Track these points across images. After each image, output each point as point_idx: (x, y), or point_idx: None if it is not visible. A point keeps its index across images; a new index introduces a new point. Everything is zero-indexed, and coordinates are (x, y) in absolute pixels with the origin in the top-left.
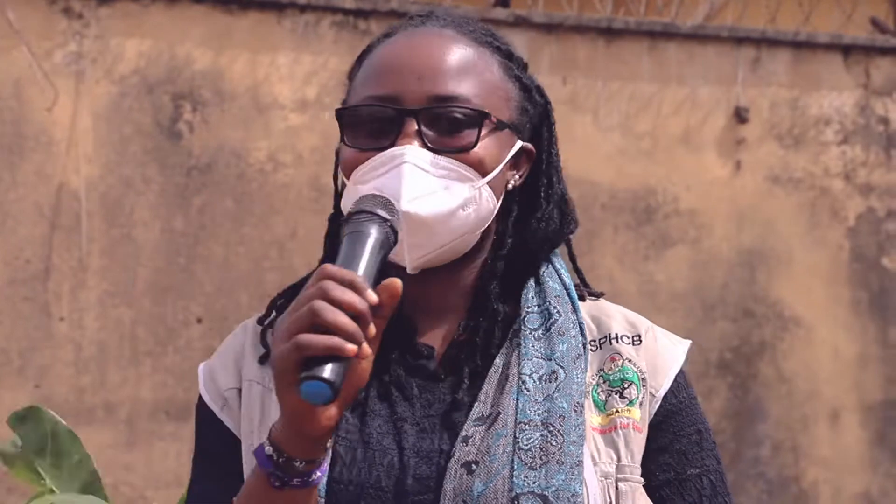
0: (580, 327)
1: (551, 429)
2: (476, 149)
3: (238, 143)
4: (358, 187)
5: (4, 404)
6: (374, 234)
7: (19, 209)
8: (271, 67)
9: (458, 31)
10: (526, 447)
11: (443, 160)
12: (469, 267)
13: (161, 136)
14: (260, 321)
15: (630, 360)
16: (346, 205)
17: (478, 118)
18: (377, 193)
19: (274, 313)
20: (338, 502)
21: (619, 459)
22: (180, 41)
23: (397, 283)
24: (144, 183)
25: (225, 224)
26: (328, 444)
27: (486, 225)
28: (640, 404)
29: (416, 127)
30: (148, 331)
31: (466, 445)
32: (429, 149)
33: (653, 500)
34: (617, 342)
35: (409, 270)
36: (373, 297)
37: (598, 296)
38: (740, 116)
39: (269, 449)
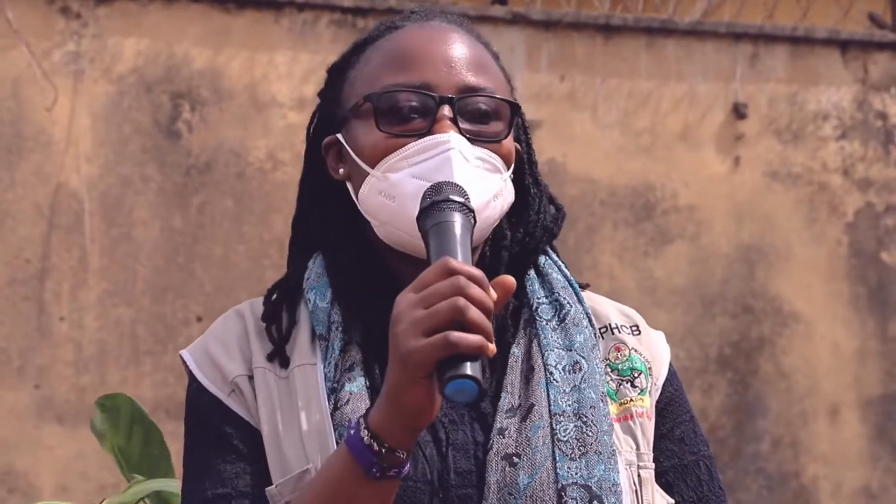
0: (588, 318)
1: (585, 419)
2: (506, 140)
3: (237, 141)
4: (388, 176)
5: (4, 404)
6: (461, 222)
7: (19, 209)
8: (269, 66)
9: (462, 28)
10: (564, 438)
11: (478, 150)
12: (473, 256)
13: (160, 135)
14: (264, 318)
15: (636, 350)
16: (367, 196)
17: (507, 109)
18: (449, 181)
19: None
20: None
21: (637, 447)
22: (178, 40)
23: (511, 279)
24: (143, 182)
25: (224, 223)
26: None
27: (501, 216)
28: (649, 393)
29: (452, 115)
30: (148, 330)
31: (504, 438)
32: (465, 137)
33: (660, 486)
34: (619, 332)
35: None
36: (494, 294)
37: (584, 287)
38: (739, 112)
39: (367, 439)
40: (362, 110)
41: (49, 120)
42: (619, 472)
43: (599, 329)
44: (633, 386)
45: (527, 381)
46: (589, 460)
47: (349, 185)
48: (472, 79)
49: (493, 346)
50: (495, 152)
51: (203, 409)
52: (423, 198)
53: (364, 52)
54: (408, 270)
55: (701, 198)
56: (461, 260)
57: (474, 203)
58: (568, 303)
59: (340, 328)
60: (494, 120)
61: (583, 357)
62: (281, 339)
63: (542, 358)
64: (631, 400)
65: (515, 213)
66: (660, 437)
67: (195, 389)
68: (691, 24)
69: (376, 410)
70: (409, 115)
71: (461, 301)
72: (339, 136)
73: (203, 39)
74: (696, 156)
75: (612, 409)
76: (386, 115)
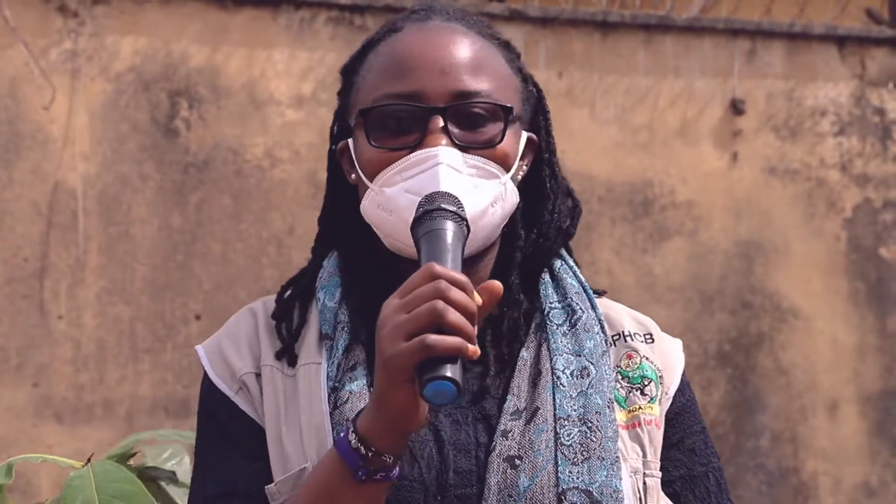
0: (601, 324)
1: (589, 425)
2: (501, 144)
3: (235, 139)
4: (384, 190)
5: (3, 402)
6: (452, 230)
7: (16, 207)
8: (267, 64)
9: (464, 25)
10: (567, 443)
11: (471, 158)
12: (485, 259)
13: (158, 133)
14: (274, 316)
15: (647, 358)
16: (368, 208)
17: (501, 112)
18: (441, 191)
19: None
20: (387, 497)
21: (644, 455)
22: (176, 38)
23: (497, 285)
24: (141, 180)
25: (222, 221)
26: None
27: (507, 218)
28: (660, 401)
29: (443, 124)
30: (146, 328)
31: (507, 440)
32: (457, 146)
33: (665, 494)
34: (631, 339)
35: None
36: (478, 298)
37: (600, 293)
38: (736, 108)
39: (355, 442)
40: (359, 124)
41: (47, 118)
42: (621, 479)
43: (612, 336)
44: (642, 394)
45: (534, 384)
46: (591, 465)
47: (360, 191)
48: (466, 83)
49: (473, 348)
50: (490, 158)
51: (212, 405)
52: (417, 207)
53: (368, 56)
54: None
55: (699, 194)
56: (450, 266)
57: (469, 212)
58: (580, 308)
59: (346, 328)
60: (491, 123)
61: (591, 363)
62: (290, 337)
63: (551, 362)
64: (640, 407)
65: (530, 211)
66: (669, 446)
67: (207, 385)
68: (689, 20)
69: (364, 414)
70: (399, 128)
71: (440, 304)
72: (349, 142)
73: (201, 37)
74: (694, 152)
75: (621, 416)
76: (377, 131)
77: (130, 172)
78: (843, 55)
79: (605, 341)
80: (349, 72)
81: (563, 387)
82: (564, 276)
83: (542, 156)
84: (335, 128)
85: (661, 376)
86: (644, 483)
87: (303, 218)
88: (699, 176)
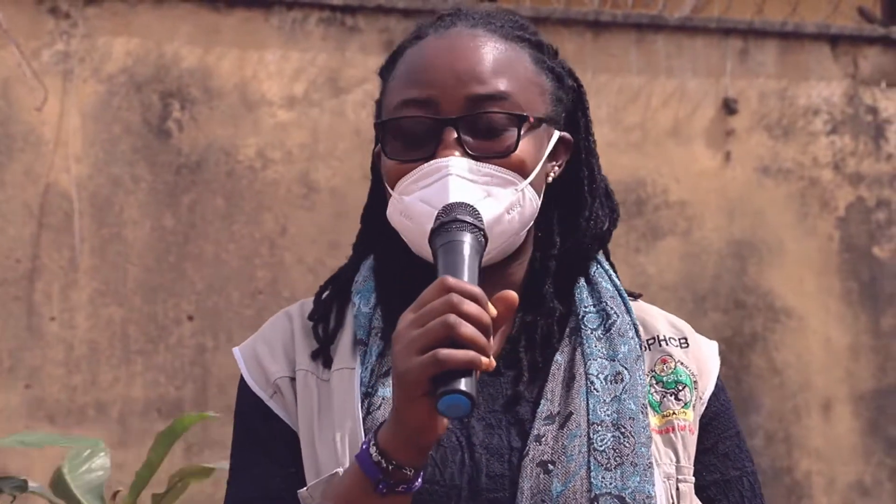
0: (636, 329)
1: (623, 430)
2: (516, 151)
3: (227, 140)
4: (403, 198)
5: None
6: (469, 241)
7: (8, 209)
8: (259, 64)
9: (487, 29)
10: (601, 448)
11: (485, 167)
12: (515, 263)
13: (150, 134)
14: (311, 316)
15: (682, 363)
16: (392, 214)
17: (516, 120)
18: (458, 202)
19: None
20: (413, 500)
21: (678, 460)
22: (168, 39)
23: (513, 295)
24: (134, 182)
25: (215, 222)
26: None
27: (531, 223)
28: (693, 406)
29: (456, 135)
30: (139, 329)
31: (540, 444)
32: (469, 156)
33: (699, 500)
34: (666, 344)
35: None
36: (493, 310)
37: (636, 296)
38: (729, 108)
39: (376, 455)
40: (378, 135)
41: (39, 120)
42: (654, 485)
43: (647, 340)
44: (676, 399)
45: (567, 389)
46: (624, 471)
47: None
48: (480, 88)
49: (487, 361)
50: (505, 166)
51: (247, 409)
52: (436, 218)
53: (397, 62)
54: None
55: (692, 193)
56: (466, 278)
57: (484, 221)
58: (615, 313)
59: (380, 334)
60: (506, 131)
61: (625, 368)
62: (326, 339)
63: (585, 367)
64: (674, 413)
65: (567, 217)
66: (704, 451)
67: (242, 388)
68: (681, 19)
69: (385, 427)
70: (415, 140)
71: (451, 318)
72: (381, 147)
73: (193, 38)
74: (687, 151)
75: (655, 420)
76: (392, 143)
77: (123, 174)
78: (835, 54)
79: (640, 346)
80: (382, 76)
81: (597, 392)
82: (600, 280)
83: (579, 156)
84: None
85: (695, 381)
86: (677, 488)
87: (295, 218)
88: (692, 175)
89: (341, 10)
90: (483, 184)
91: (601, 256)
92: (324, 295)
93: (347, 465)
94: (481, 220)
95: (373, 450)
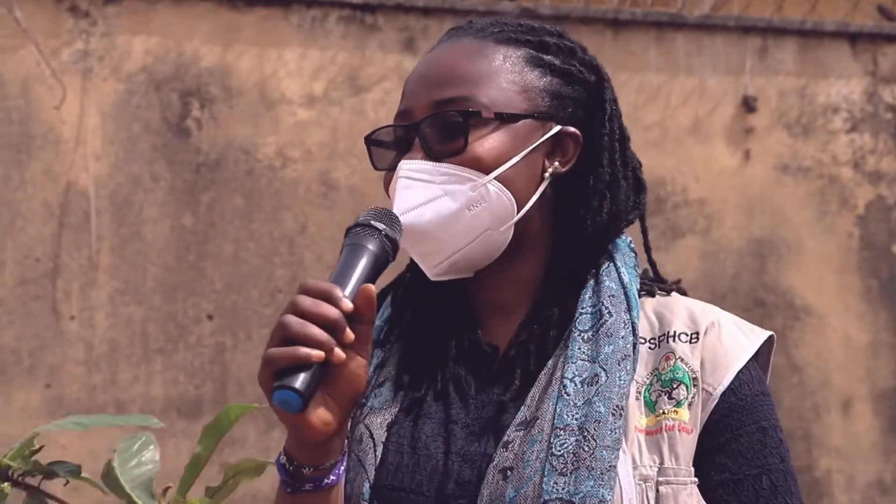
0: (633, 327)
1: (585, 434)
2: (469, 148)
3: (246, 139)
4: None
5: (16, 404)
6: (368, 246)
7: (28, 208)
8: (279, 63)
9: (476, 37)
10: (559, 453)
11: (443, 166)
12: (524, 261)
13: (169, 133)
14: None
15: (682, 359)
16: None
17: (465, 117)
18: (381, 207)
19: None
20: None
21: (661, 462)
22: (187, 38)
23: (370, 288)
24: (153, 180)
25: (234, 220)
26: (343, 449)
27: (514, 219)
28: (690, 405)
29: (419, 139)
30: (158, 328)
31: (506, 451)
32: (430, 157)
33: (709, 502)
34: (674, 340)
35: (431, 278)
36: (347, 304)
37: (669, 290)
38: (748, 106)
39: (282, 458)
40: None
41: (58, 119)
42: (610, 489)
43: (658, 337)
44: (669, 398)
45: (543, 394)
46: (579, 476)
47: None
48: (442, 92)
49: (318, 353)
50: (461, 163)
51: None
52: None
53: None
54: (465, 284)
55: (711, 192)
56: (356, 279)
57: (421, 223)
58: (609, 312)
59: (383, 345)
60: (462, 129)
61: (604, 369)
62: None
63: (562, 371)
64: (664, 412)
65: (570, 214)
66: (716, 449)
67: None
68: (700, 17)
69: (287, 433)
70: (396, 148)
71: (286, 317)
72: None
73: (212, 37)
74: (707, 150)
75: (646, 420)
76: (374, 155)
77: (142, 172)
78: (855, 52)
79: (634, 345)
80: None
81: (568, 396)
82: (605, 278)
83: (590, 151)
84: None
85: (694, 378)
86: (657, 491)
87: (314, 217)
88: (711, 174)
89: (361, 8)
90: (441, 183)
91: (617, 252)
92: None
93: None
94: (395, 230)
95: (281, 453)
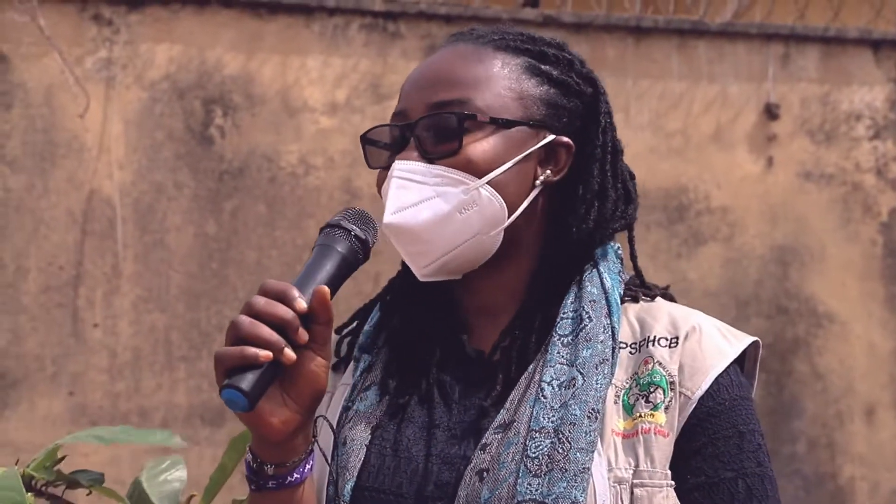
0: (612, 332)
1: (560, 436)
2: (463, 151)
3: (269, 146)
4: (385, 204)
5: (39, 411)
6: (337, 247)
7: (52, 216)
8: (301, 71)
9: (477, 44)
10: (534, 455)
11: (436, 168)
12: (513, 267)
13: (192, 140)
14: (337, 330)
15: (660, 364)
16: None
17: (460, 120)
18: (356, 208)
19: (356, 323)
20: None
21: (637, 465)
22: (210, 46)
23: (324, 289)
24: (176, 188)
25: (257, 228)
26: (307, 448)
27: (504, 224)
28: (667, 408)
29: (413, 140)
30: (182, 336)
31: (483, 453)
32: (424, 158)
33: None
34: (653, 345)
35: (420, 279)
36: (301, 304)
37: (653, 296)
38: (771, 113)
39: (248, 456)
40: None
41: (82, 127)
42: (583, 491)
43: (639, 342)
44: (646, 401)
45: (522, 397)
46: (552, 477)
47: None
48: (436, 96)
49: (266, 353)
50: (454, 166)
51: None
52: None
53: None
54: (453, 288)
55: (734, 199)
56: (317, 280)
57: (412, 224)
58: (589, 317)
59: (370, 349)
60: (456, 132)
61: (581, 373)
62: (337, 354)
63: (541, 374)
64: (641, 415)
65: (559, 221)
66: (692, 452)
67: None
68: (722, 25)
69: None
70: (390, 148)
71: (238, 318)
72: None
73: (235, 45)
74: (729, 157)
75: (623, 424)
76: (368, 155)
77: (165, 180)
78: (877, 59)
79: (613, 350)
80: None
81: (545, 399)
82: (587, 284)
83: (583, 161)
84: None
85: (672, 382)
86: (631, 493)
87: None
88: (734, 181)
89: (383, 16)
90: (434, 184)
91: (602, 258)
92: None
93: (316, 476)
94: (369, 233)
95: (247, 451)
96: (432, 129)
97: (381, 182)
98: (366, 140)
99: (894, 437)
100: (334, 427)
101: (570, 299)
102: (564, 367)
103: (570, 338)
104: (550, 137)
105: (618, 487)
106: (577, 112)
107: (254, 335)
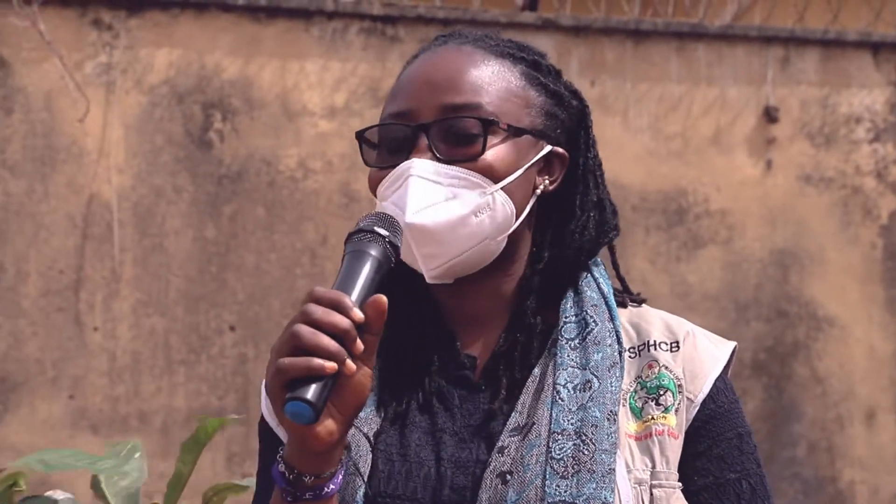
0: (617, 335)
1: (584, 438)
2: (484, 156)
3: (268, 150)
4: (382, 203)
5: (39, 415)
6: (372, 252)
7: (52, 220)
8: (300, 75)
9: (476, 46)
10: (558, 456)
11: (452, 169)
12: (505, 275)
13: (192, 145)
14: None
15: (667, 367)
16: None
17: (485, 125)
18: (381, 211)
19: None
20: None
21: (653, 466)
22: (209, 50)
23: (382, 299)
24: (176, 192)
25: (256, 232)
26: (341, 458)
27: (509, 230)
28: (676, 410)
29: (427, 141)
30: (181, 339)
31: (502, 456)
32: (439, 160)
33: None
34: (655, 349)
35: (428, 280)
36: (358, 315)
37: (639, 302)
38: (770, 116)
39: (281, 466)
40: (361, 145)
41: (81, 131)
42: (612, 491)
43: (637, 346)
44: (657, 404)
45: (536, 400)
46: (580, 479)
47: None
48: (452, 97)
49: (331, 365)
50: (473, 169)
51: (261, 440)
52: (356, 224)
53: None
54: (441, 294)
55: (733, 202)
56: (359, 288)
57: (431, 224)
58: (594, 321)
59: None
60: (476, 136)
61: (595, 376)
62: None
63: (554, 377)
64: (652, 418)
65: (557, 229)
66: (696, 454)
67: (261, 420)
68: (722, 28)
69: (287, 442)
70: (394, 147)
71: (298, 327)
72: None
73: (234, 49)
74: (728, 160)
75: (635, 426)
76: (369, 153)
77: (165, 184)
78: (877, 61)
79: (619, 353)
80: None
81: (562, 401)
82: (586, 289)
83: (576, 172)
84: None
85: (679, 385)
86: (651, 494)
87: (336, 228)
88: (733, 184)
89: (382, 20)
90: (449, 185)
91: (597, 265)
92: None
93: None
94: (397, 231)
95: (279, 462)
96: (451, 131)
97: (377, 180)
98: (363, 138)
99: (894, 441)
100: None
101: (568, 304)
102: (576, 370)
103: (577, 341)
104: (549, 148)
105: (638, 488)
106: (567, 124)
107: (317, 345)
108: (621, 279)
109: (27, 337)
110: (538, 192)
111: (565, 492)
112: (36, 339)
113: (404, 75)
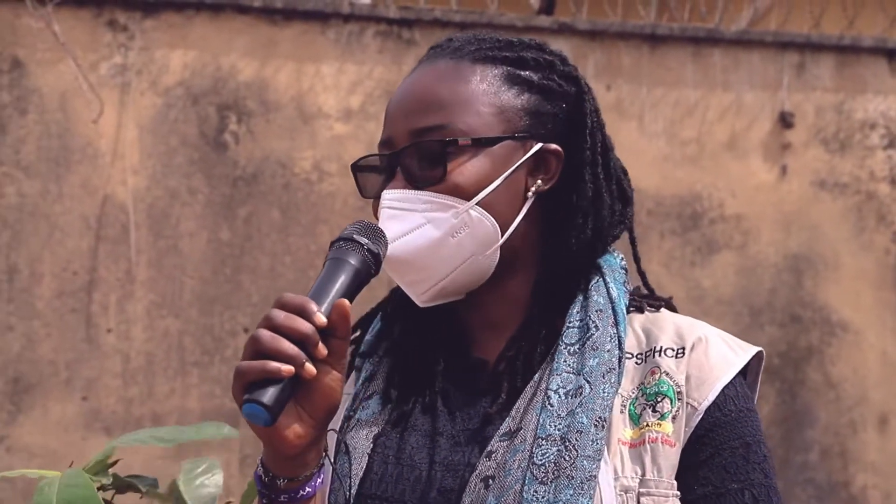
0: (619, 341)
1: (567, 444)
2: (449, 176)
3: (283, 152)
4: None
5: (53, 416)
6: (350, 260)
7: (66, 221)
8: (316, 77)
9: (453, 58)
10: (540, 462)
11: (423, 195)
12: (514, 278)
13: (206, 146)
14: None
15: (667, 374)
16: None
17: (443, 146)
18: (367, 221)
19: (359, 331)
20: None
21: (643, 474)
22: (225, 52)
23: (345, 303)
24: (190, 194)
25: (271, 234)
26: (319, 461)
27: (498, 243)
28: (674, 418)
29: (400, 168)
30: (195, 341)
31: (489, 460)
32: (411, 186)
33: None
34: (660, 356)
35: (420, 305)
36: (321, 319)
37: (658, 307)
38: (785, 121)
39: (259, 469)
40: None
41: (96, 132)
42: (590, 498)
43: (645, 352)
44: (653, 411)
45: (528, 405)
46: (559, 484)
47: None
48: (418, 122)
49: (288, 368)
50: (442, 191)
51: None
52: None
53: None
54: (457, 303)
55: (748, 207)
56: (332, 294)
57: (404, 253)
58: (595, 326)
59: (371, 359)
60: (440, 156)
61: (588, 381)
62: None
63: (547, 383)
64: (648, 425)
65: (557, 227)
66: (699, 463)
67: None
68: (737, 33)
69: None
70: (379, 176)
71: (259, 331)
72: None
73: (250, 51)
74: (743, 165)
75: (630, 433)
76: (360, 183)
77: (179, 186)
78: (892, 67)
79: (619, 359)
80: None
81: (552, 406)
82: (594, 293)
83: (574, 165)
84: None
85: (679, 392)
86: (637, 502)
87: None
88: (748, 189)
89: (398, 23)
90: (423, 211)
91: (607, 266)
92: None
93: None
94: (379, 245)
95: (258, 465)
96: (416, 156)
97: (375, 210)
98: (357, 168)
99: None
100: (342, 438)
101: (576, 308)
102: (571, 375)
103: (576, 346)
104: (537, 147)
105: (624, 496)
106: (562, 115)
107: (275, 349)
108: (642, 274)
109: (41, 338)
110: (531, 193)
111: (542, 497)
112: (49, 341)
113: (391, 100)
